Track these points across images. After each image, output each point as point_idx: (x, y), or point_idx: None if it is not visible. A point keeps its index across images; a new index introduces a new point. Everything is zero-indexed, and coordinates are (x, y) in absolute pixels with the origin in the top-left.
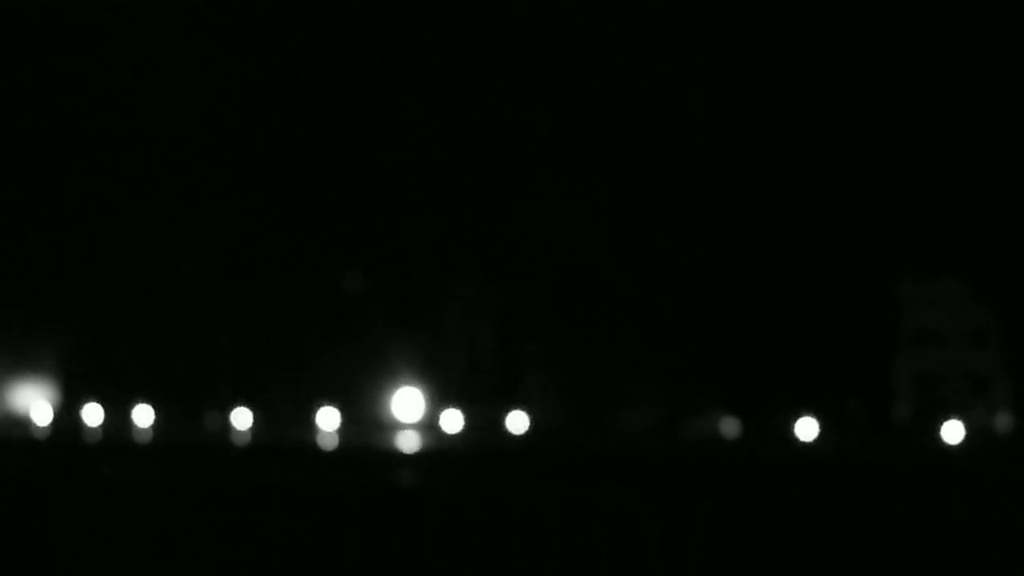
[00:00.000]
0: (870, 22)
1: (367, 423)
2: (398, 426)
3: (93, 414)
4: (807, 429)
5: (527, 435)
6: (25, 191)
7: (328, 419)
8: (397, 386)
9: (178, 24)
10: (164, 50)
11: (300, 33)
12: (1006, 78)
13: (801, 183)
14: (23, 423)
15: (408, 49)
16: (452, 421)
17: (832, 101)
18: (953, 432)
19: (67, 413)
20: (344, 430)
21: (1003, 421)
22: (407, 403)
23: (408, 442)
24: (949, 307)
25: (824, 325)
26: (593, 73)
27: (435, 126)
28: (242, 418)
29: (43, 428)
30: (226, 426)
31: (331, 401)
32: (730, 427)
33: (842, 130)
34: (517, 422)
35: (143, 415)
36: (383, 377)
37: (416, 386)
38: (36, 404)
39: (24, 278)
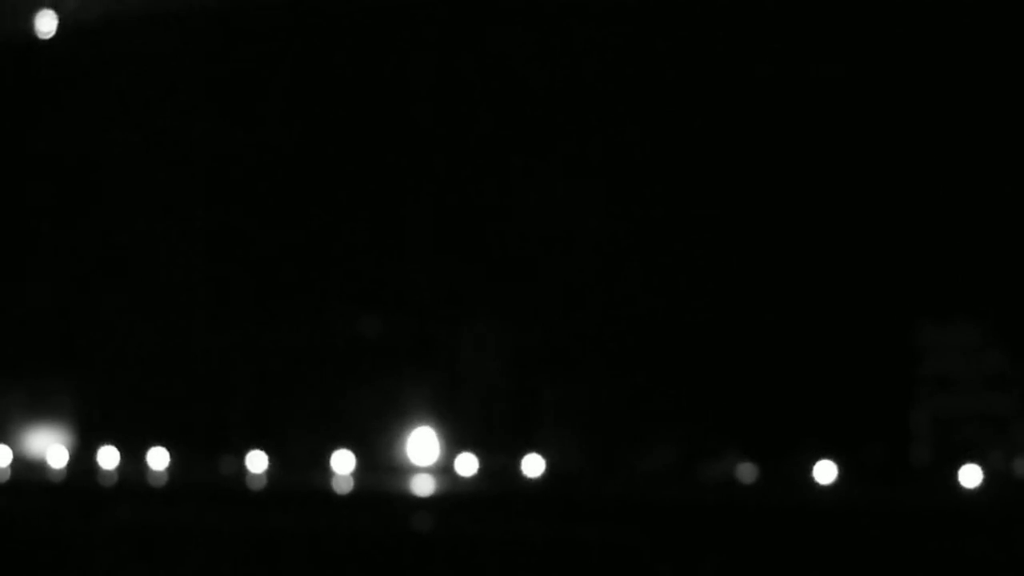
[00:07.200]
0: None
1: (382, 466)
2: (413, 470)
3: (108, 457)
4: (825, 473)
5: (543, 479)
6: (37, 233)
7: (343, 462)
8: (412, 429)
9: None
10: (166, 105)
11: (306, 81)
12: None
13: (820, 227)
14: (39, 466)
15: (414, 91)
16: (467, 464)
17: (851, 142)
18: (972, 475)
19: (82, 456)
20: (359, 473)
21: (1022, 464)
22: (422, 446)
23: (423, 486)
24: (967, 351)
25: (843, 369)
26: (609, 106)
27: (446, 163)
28: (257, 461)
29: (58, 471)
30: (241, 469)
31: (346, 444)
32: (747, 471)
33: (863, 174)
34: (533, 465)
35: (158, 458)
36: (398, 420)
37: (431, 429)
38: (51, 447)
39: (39, 321)
